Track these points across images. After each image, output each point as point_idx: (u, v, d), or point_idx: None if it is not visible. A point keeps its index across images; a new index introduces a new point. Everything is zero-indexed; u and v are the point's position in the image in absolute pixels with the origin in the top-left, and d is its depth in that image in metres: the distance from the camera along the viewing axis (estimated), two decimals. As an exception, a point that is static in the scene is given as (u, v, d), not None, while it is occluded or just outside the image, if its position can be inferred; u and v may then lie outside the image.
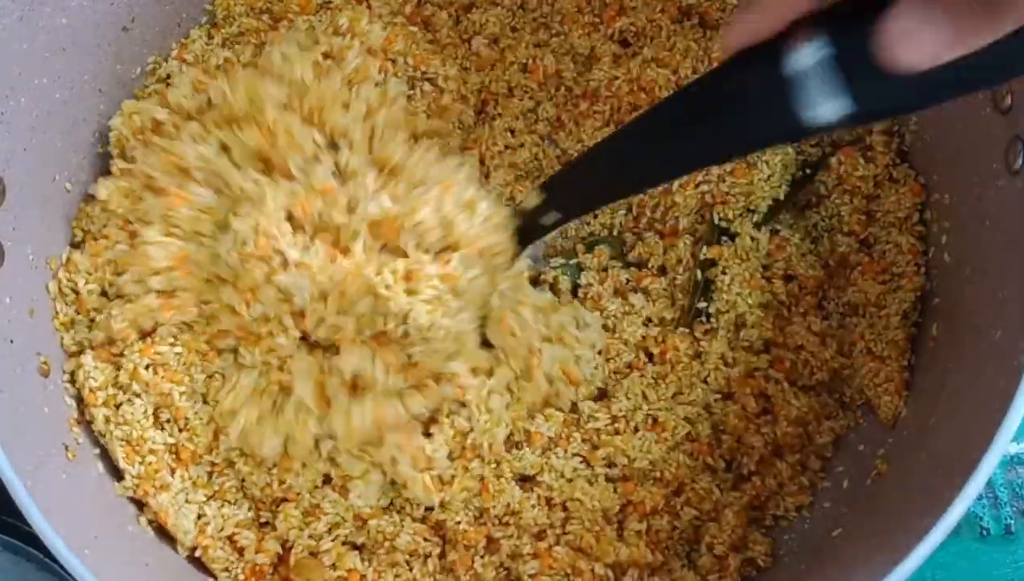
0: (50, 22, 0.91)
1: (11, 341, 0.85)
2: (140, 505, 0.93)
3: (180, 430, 0.93)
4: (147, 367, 0.92)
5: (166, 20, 1.04)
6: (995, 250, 0.85)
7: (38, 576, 0.94)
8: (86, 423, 0.92)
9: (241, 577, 0.91)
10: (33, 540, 0.92)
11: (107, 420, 0.92)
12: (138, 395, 0.92)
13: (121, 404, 0.92)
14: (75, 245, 0.97)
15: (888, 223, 1.00)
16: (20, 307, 0.88)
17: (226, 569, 0.92)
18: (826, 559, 0.89)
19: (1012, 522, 1.04)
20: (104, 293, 0.95)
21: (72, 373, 0.93)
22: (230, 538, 0.93)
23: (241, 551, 0.92)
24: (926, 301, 0.96)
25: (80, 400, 0.93)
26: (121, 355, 0.93)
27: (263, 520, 0.94)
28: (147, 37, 1.02)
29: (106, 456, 0.92)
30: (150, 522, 0.92)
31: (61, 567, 0.74)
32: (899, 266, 0.98)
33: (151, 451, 0.92)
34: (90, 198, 0.97)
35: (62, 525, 0.75)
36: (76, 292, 0.95)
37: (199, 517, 0.92)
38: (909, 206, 0.98)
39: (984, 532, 1.04)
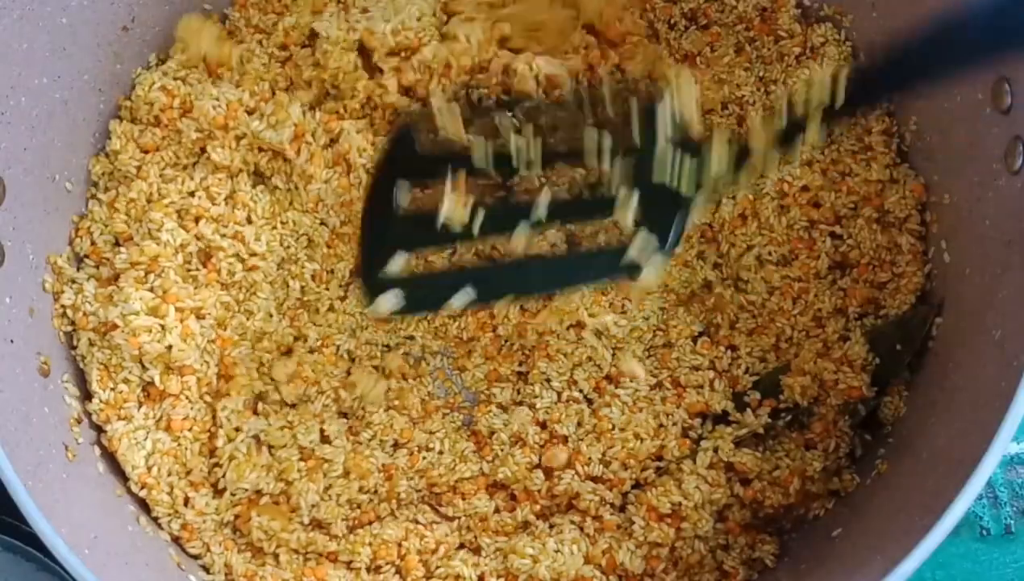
0: (50, 22, 0.91)
1: (11, 341, 0.85)
2: (141, 505, 0.93)
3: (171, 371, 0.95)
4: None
5: (166, 20, 1.04)
6: (995, 250, 0.85)
7: (38, 576, 0.94)
8: (84, 420, 0.92)
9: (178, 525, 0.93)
10: (33, 540, 0.92)
11: (91, 343, 0.94)
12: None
13: (106, 332, 0.93)
14: (95, 197, 1.00)
15: (888, 223, 1.00)
16: (20, 307, 0.88)
17: (169, 515, 0.93)
18: (826, 559, 0.88)
19: (1012, 522, 1.04)
20: (118, 242, 0.98)
21: (70, 306, 0.94)
22: (179, 486, 0.93)
23: (187, 501, 0.93)
24: (926, 301, 0.96)
25: (80, 399, 0.93)
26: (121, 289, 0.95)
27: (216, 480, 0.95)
28: (147, 37, 1.03)
29: (106, 456, 0.92)
30: (138, 506, 0.92)
31: (61, 567, 0.74)
32: (899, 266, 0.98)
33: (125, 381, 0.94)
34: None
35: (62, 525, 0.75)
36: (92, 242, 0.98)
37: (149, 456, 0.93)
38: (909, 206, 0.98)
39: (984, 532, 1.04)
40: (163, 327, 0.94)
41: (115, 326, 0.93)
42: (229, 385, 0.97)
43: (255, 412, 0.98)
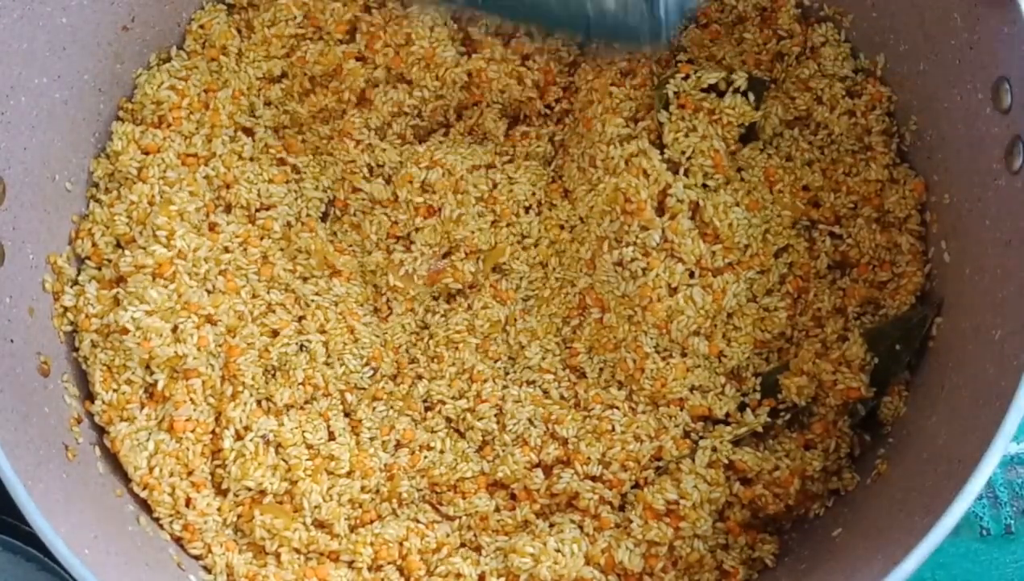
0: (50, 22, 0.91)
1: (11, 341, 0.85)
2: (141, 505, 0.93)
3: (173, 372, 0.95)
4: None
5: (166, 20, 1.04)
6: (995, 250, 0.85)
7: (38, 576, 0.94)
8: (84, 420, 0.93)
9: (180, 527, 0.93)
10: (33, 540, 0.92)
11: (94, 345, 0.94)
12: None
13: (111, 334, 0.94)
14: (95, 198, 1.00)
15: (888, 223, 1.00)
16: (20, 307, 0.88)
17: (170, 516, 0.93)
18: (826, 559, 0.89)
19: (1012, 522, 1.04)
20: (119, 245, 0.99)
21: (71, 307, 0.94)
22: (181, 487, 0.93)
23: (188, 502, 0.93)
24: (926, 301, 0.96)
25: (80, 399, 0.93)
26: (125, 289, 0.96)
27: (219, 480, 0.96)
28: (147, 37, 1.03)
29: (106, 456, 0.92)
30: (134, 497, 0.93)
31: (61, 567, 0.74)
32: (899, 266, 0.98)
33: (128, 382, 0.94)
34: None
35: (62, 525, 0.75)
36: (93, 244, 0.98)
37: (151, 457, 0.93)
38: (909, 206, 0.98)
39: (984, 532, 1.04)
40: (175, 332, 0.94)
41: (125, 329, 0.93)
42: (235, 386, 0.97)
43: (265, 412, 0.98)
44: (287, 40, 1.06)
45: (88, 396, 0.94)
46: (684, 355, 0.98)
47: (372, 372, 1.02)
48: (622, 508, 0.96)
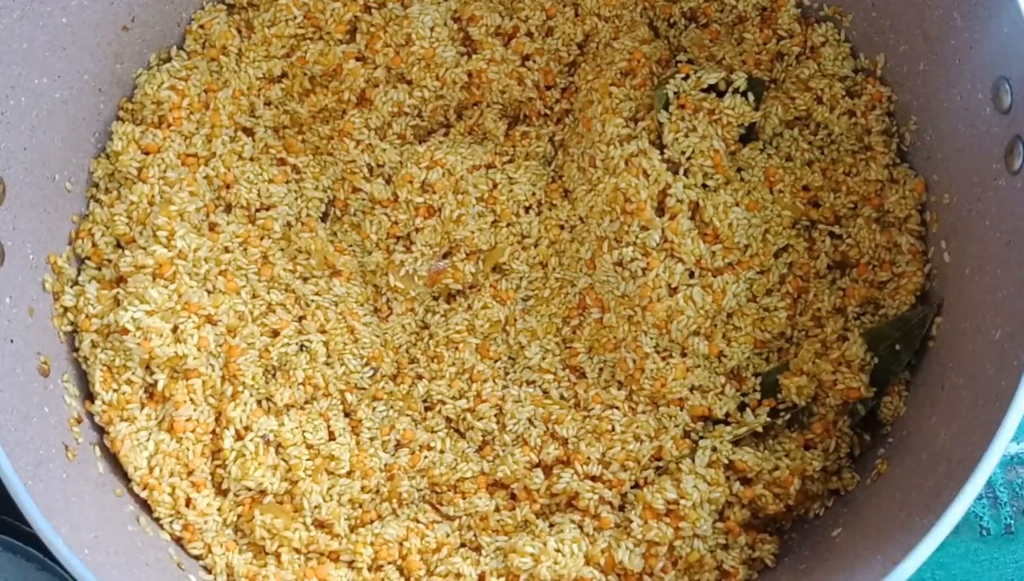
0: (50, 21, 0.91)
1: (11, 341, 0.85)
2: (141, 504, 0.93)
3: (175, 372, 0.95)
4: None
5: (166, 20, 1.04)
6: (995, 250, 0.85)
7: (38, 576, 0.94)
8: (84, 420, 0.92)
9: (181, 528, 0.93)
10: (33, 540, 0.92)
11: (94, 345, 0.94)
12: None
13: (111, 334, 0.94)
14: (95, 198, 1.00)
15: (888, 223, 1.00)
16: (20, 307, 0.88)
17: (171, 516, 0.93)
18: (826, 559, 0.89)
19: (1012, 522, 1.04)
20: (119, 245, 0.99)
21: (71, 307, 0.94)
22: (181, 487, 0.93)
23: (188, 502, 0.93)
24: (926, 301, 0.96)
25: (80, 399, 0.93)
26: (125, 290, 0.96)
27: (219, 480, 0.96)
28: (147, 37, 1.03)
29: (106, 456, 0.92)
30: (133, 495, 0.93)
31: (61, 567, 0.74)
32: (899, 266, 0.98)
33: (128, 382, 0.94)
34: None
35: (62, 525, 0.75)
36: (93, 244, 0.98)
37: (151, 457, 0.93)
38: (909, 206, 0.98)
39: (984, 532, 1.04)
40: (175, 332, 0.94)
41: (125, 330, 0.93)
42: (235, 386, 0.97)
43: (265, 412, 0.98)
44: (287, 40, 1.06)
45: (88, 396, 0.94)
46: (684, 355, 0.99)
47: (372, 372, 1.02)
48: (622, 508, 0.96)
